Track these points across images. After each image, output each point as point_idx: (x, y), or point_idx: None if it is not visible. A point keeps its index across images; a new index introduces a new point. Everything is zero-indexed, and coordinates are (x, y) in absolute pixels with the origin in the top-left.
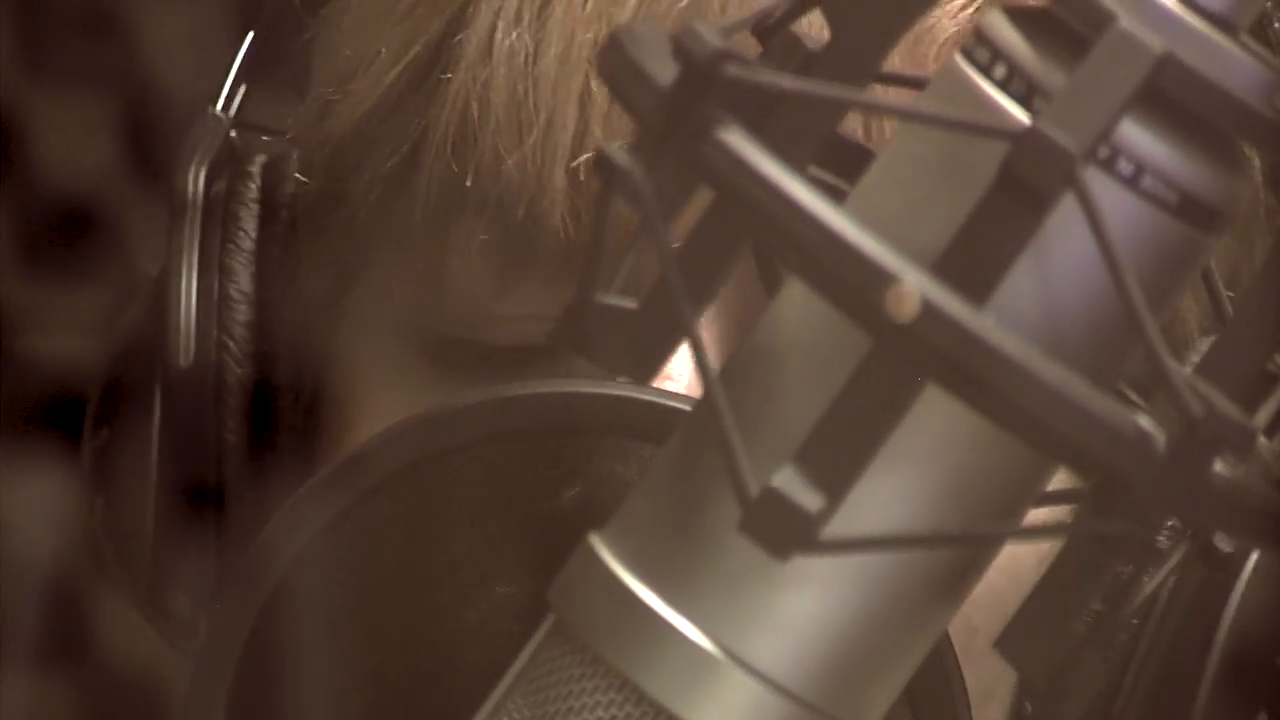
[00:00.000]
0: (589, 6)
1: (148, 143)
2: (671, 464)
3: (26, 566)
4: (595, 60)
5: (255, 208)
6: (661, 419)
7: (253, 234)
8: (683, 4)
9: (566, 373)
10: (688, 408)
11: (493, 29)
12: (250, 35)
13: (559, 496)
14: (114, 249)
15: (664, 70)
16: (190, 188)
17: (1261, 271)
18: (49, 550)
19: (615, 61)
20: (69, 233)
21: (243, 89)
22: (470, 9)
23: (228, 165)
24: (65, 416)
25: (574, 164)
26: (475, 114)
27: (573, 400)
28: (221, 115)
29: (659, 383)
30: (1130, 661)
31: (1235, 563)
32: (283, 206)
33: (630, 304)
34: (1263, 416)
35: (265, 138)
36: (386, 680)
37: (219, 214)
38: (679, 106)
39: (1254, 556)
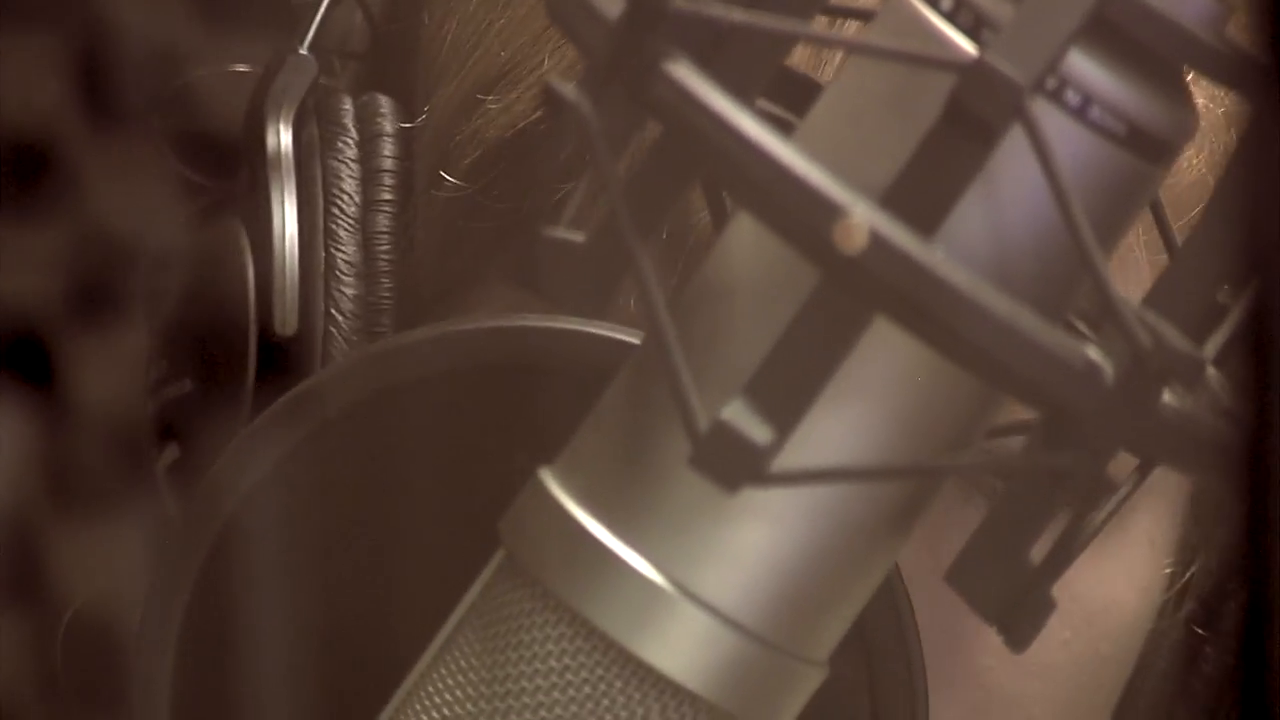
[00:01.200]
0: None
1: (103, 82)
2: (621, 398)
3: None
4: None
5: (356, 167)
6: (611, 353)
7: (357, 198)
8: None
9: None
10: (637, 342)
11: None
12: None
13: (509, 431)
14: (70, 190)
15: (611, 4)
16: (280, 138)
17: (1210, 202)
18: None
19: None
20: (24, 173)
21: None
22: None
23: (315, 111)
24: (22, 358)
25: None
26: None
27: (522, 334)
28: (310, 56)
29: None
30: None
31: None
32: (387, 171)
33: (578, 237)
34: (1211, 347)
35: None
36: (338, 616)
37: (316, 170)
38: (626, 40)
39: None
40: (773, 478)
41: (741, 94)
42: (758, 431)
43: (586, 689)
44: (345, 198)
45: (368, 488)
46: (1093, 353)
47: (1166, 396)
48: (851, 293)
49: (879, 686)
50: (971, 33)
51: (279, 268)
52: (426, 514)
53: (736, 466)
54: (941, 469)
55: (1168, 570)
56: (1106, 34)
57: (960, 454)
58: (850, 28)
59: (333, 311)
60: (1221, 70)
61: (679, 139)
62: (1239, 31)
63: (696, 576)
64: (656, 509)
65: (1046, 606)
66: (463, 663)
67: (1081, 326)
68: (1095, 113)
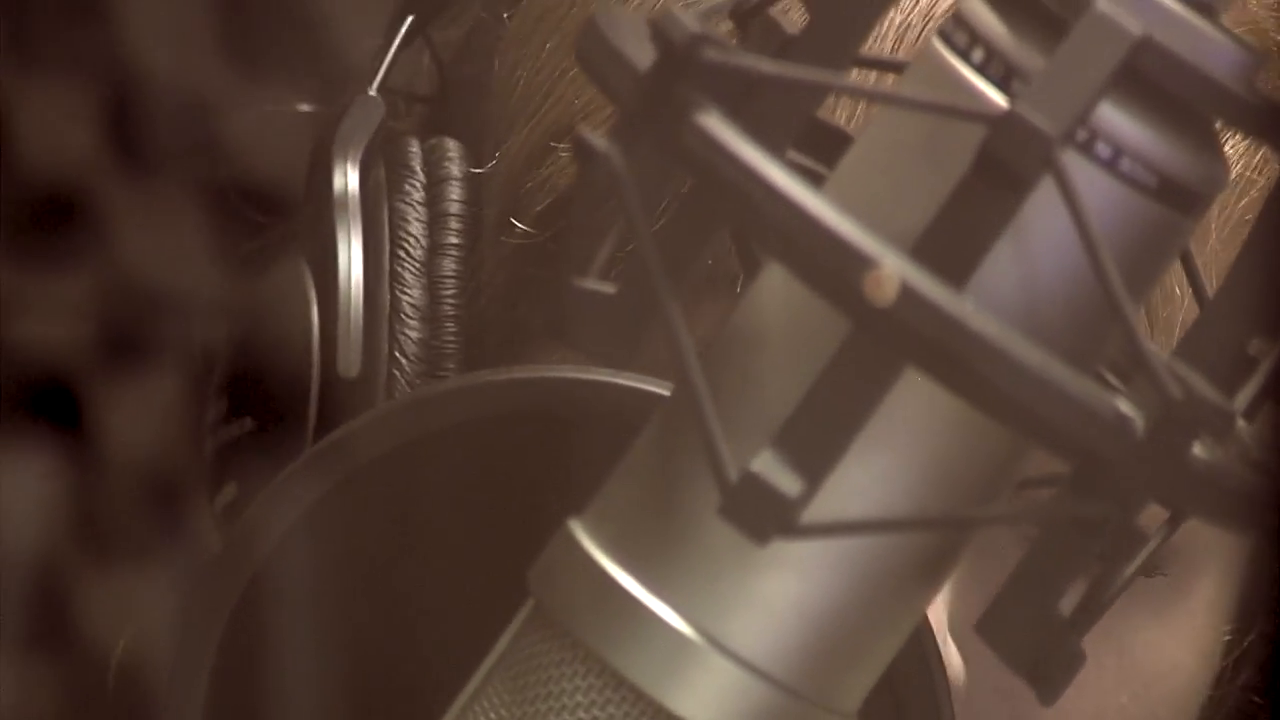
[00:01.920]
0: None
1: (131, 129)
2: (651, 448)
3: (12, 554)
4: (574, 44)
5: (423, 210)
6: (641, 403)
7: (424, 242)
8: None
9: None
10: (667, 392)
11: None
12: (409, 18)
13: (539, 481)
14: (98, 236)
15: (642, 54)
16: (348, 180)
17: (1241, 253)
18: (35, 538)
19: (592, 45)
20: (52, 219)
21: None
22: None
23: (382, 152)
24: (51, 404)
25: None
26: None
27: (552, 385)
28: (378, 98)
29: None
30: None
31: None
32: (454, 215)
33: (609, 288)
34: (1241, 399)
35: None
36: (367, 665)
37: (383, 212)
38: (657, 90)
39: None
40: (802, 529)
41: (772, 145)
42: (788, 483)
43: None
44: (411, 240)
45: (398, 536)
46: (1123, 404)
47: (1197, 448)
48: (882, 344)
49: None
50: (1002, 84)
51: (343, 309)
52: (456, 563)
53: (766, 518)
54: (972, 520)
55: (1226, 637)
56: (1137, 86)
57: (990, 505)
58: (881, 79)
59: (396, 354)
60: (1252, 122)
61: (709, 189)
62: (1269, 83)
63: (726, 627)
64: (686, 560)
65: (1077, 658)
66: (492, 714)
67: (1111, 378)
68: (1126, 164)
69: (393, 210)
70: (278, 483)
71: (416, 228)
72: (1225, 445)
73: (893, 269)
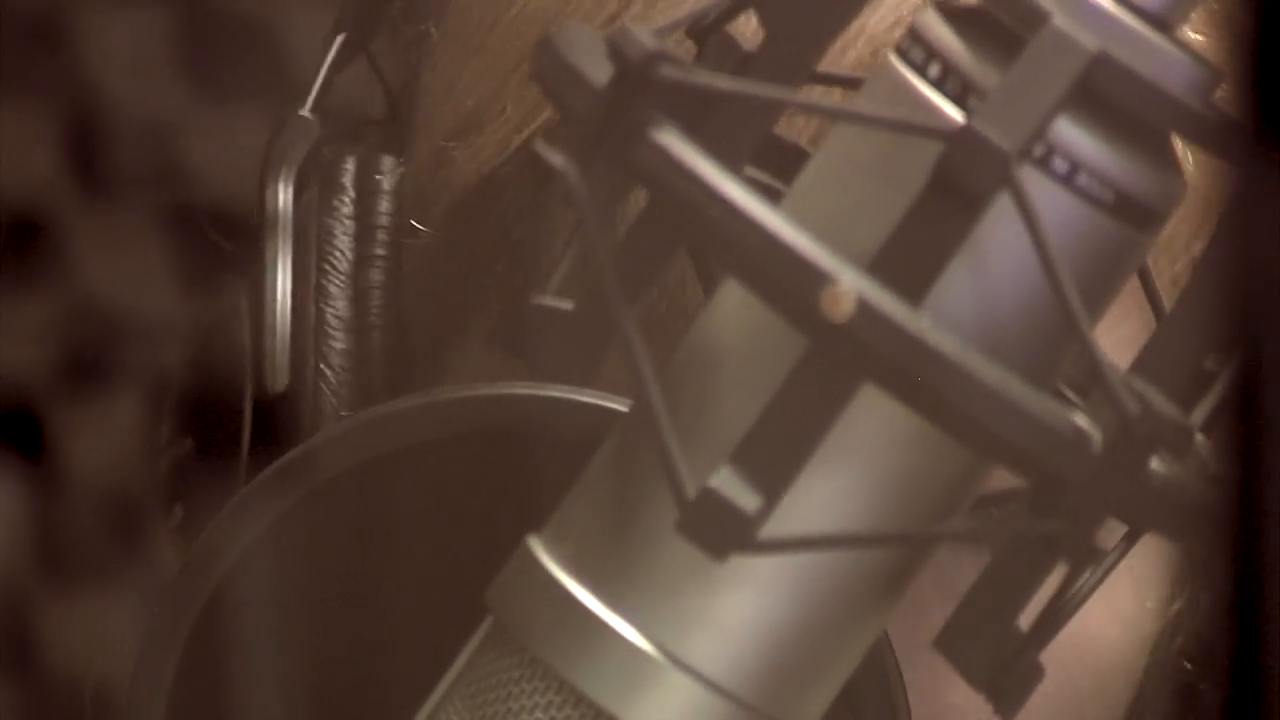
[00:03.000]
0: None
1: (94, 154)
2: (609, 465)
3: None
4: (530, 61)
5: (350, 224)
6: (598, 420)
7: (350, 255)
8: None
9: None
10: (625, 409)
11: None
12: (340, 37)
13: (497, 498)
14: (61, 261)
15: (598, 71)
16: (279, 199)
17: (1196, 269)
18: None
19: (548, 62)
20: (16, 245)
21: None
22: None
23: (316, 172)
24: (13, 429)
25: None
26: None
27: (510, 402)
28: (311, 117)
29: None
30: None
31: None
32: (381, 228)
33: (567, 305)
34: (1199, 414)
35: (379, 176)
36: (326, 681)
37: (313, 229)
38: (613, 107)
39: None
40: (761, 545)
41: (729, 161)
42: (746, 499)
43: None
44: (338, 254)
45: (357, 554)
46: (1080, 420)
47: (1155, 463)
48: (839, 360)
49: None
50: (959, 100)
51: (269, 326)
52: (415, 580)
53: (725, 534)
54: (930, 536)
55: (1149, 604)
56: (1094, 101)
57: (948, 521)
58: (838, 95)
59: (321, 366)
60: (1209, 137)
61: (666, 206)
62: (1227, 98)
63: (685, 644)
64: (644, 576)
65: (1035, 674)
66: None
67: (1069, 393)
68: (1083, 180)
69: (321, 226)
70: (237, 500)
71: (343, 241)
72: (1183, 460)
73: (849, 285)
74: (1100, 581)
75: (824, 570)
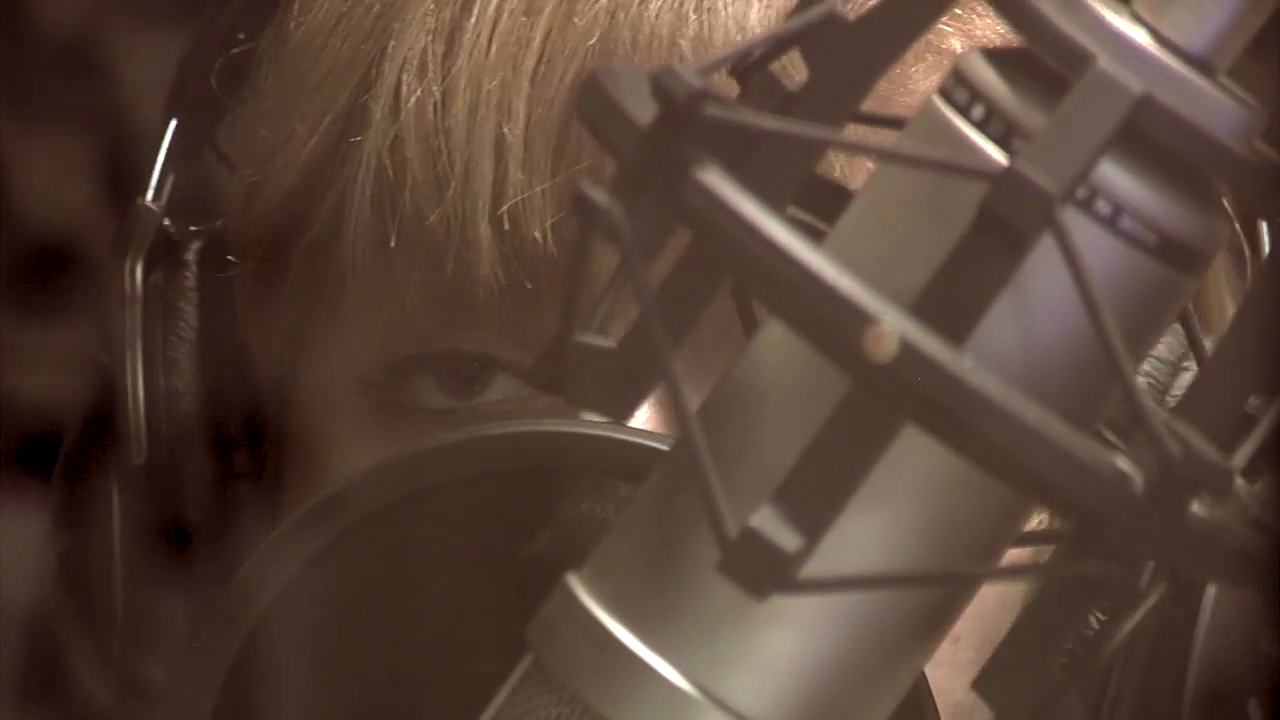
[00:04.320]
0: (493, 53)
1: (125, 182)
2: (650, 504)
3: (7, 605)
4: (575, 99)
5: (194, 295)
6: (640, 459)
7: (194, 323)
8: (591, 42)
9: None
10: (666, 447)
11: (398, 85)
12: (173, 122)
13: (537, 536)
14: (90, 289)
15: (642, 110)
16: (128, 283)
17: (1239, 312)
18: (30, 589)
19: (594, 101)
20: (48, 272)
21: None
22: (374, 70)
23: (164, 255)
24: (44, 455)
25: (498, 212)
26: (391, 171)
27: (551, 440)
28: (153, 206)
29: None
30: (1103, 701)
31: (1196, 593)
32: (221, 290)
33: (608, 343)
34: (1240, 457)
35: (195, 227)
36: (365, 718)
37: (159, 305)
38: (657, 146)
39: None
40: (801, 585)
41: (772, 201)
42: (787, 538)
43: None
44: (183, 325)
45: (395, 590)
46: (1122, 462)
47: (1196, 506)
48: (881, 400)
49: None
50: (1002, 141)
51: (124, 405)
52: (453, 617)
53: (765, 573)
54: (971, 576)
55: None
56: (1138, 144)
57: (989, 561)
58: (882, 135)
59: (177, 434)
60: (1252, 180)
61: (709, 244)
62: (1271, 142)
63: (724, 683)
64: (684, 615)
65: (1074, 716)
66: None
67: (1111, 436)
68: (1126, 222)
69: (166, 302)
70: (273, 539)
71: (188, 313)
72: (1224, 503)
73: (892, 325)
74: (1140, 625)
75: (864, 610)
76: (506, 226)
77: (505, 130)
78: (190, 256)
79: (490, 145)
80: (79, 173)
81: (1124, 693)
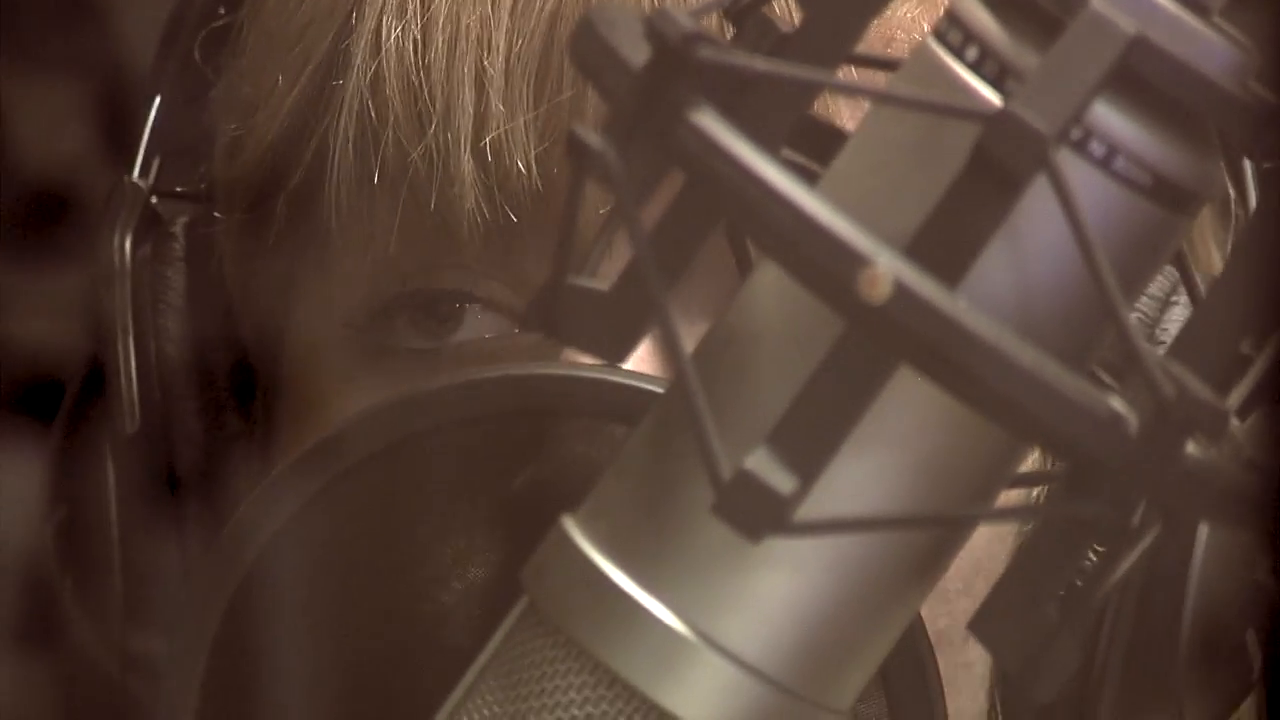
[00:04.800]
0: None
1: (122, 128)
2: (644, 446)
3: (5, 551)
4: (566, 43)
5: (181, 265)
6: (635, 401)
7: (181, 291)
8: None
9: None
10: (660, 390)
11: (379, 27)
12: (157, 100)
13: (532, 479)
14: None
15: (636, 52)
16: (116, 257)
17: (1233, 253)
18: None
19: (587, 43)
20: (45, 218)
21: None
22: (355, 16)
23: (151, 229)
24: (43, 401)
25: (480, 144)
26: (372, 112)
27: (546, 382)
28: (139, 183)
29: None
30: (1099, 636)
31: (1191, 529)
32: (208, 254)
33: (602, 286)
34: (1235, 398)
35: (180, 190)
36: (361, 662)
37: (147, 277)
38: (651, 88)
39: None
40: (796, 527)
41: (766, 143)
42: (781, 480)
43: None
44: (172, 293)
45: (389, 535)
46: (1117, 403)
47: (1190, 447)
48: (875, 342)
49: None
50: (996, 83)
51: (116, 375)
52: (448, 561)
53: (760, 515)
54: (965, 518)
55: None
56: (1131, 85)
57: (984, 503)
58: (876, 78)
59: (169, 400)
60: (1245, 120)
61: (703, 187)
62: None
63: (719, 625)
64: (679, 557)
65: (1069, 657)
66: (485, 710)
67: (1105, 377)
68: (1120, 163)
69: (155, 273)
70: (268, 483)
71: (177, 281)
72: (1219, 444)
73: (887, 267)
74: (1136, 565)
75: (859, 552)
76: (489, 159)
77: (486, 63)
78: (178, 229)
79: (471, 79)
80: (76, 118)
81: (1119, 629)
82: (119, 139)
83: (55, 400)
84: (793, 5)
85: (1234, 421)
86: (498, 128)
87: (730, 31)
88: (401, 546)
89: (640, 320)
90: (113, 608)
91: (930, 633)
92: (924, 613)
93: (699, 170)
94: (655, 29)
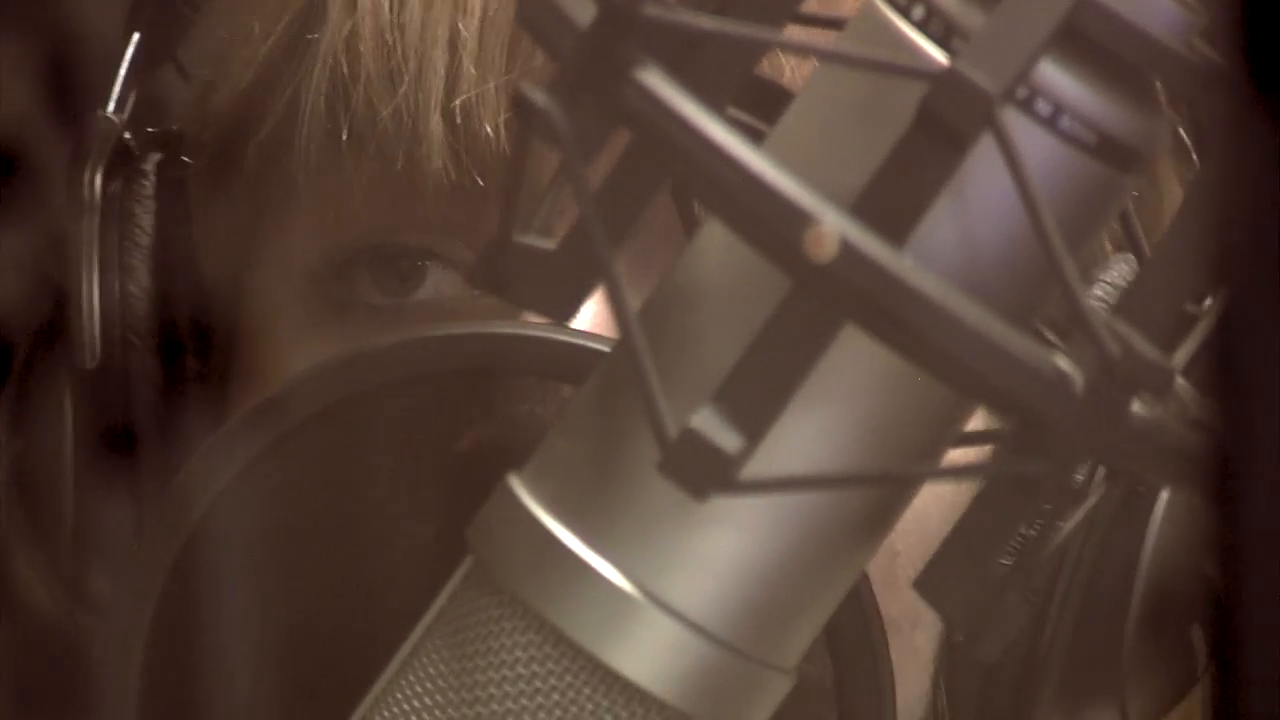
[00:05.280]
0: None
1: (69, 85)
2: (591, 405)
3: None
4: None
5: (151, 204)
6: (581, 359)
7: (149, 229)
8: None
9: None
10: (607, 348)
11: None
12: (135, 36)
13: (478, 437)
14: (35, 192)
15: (582, 10)
16: (86, 191)
17: (1179, 212)
18: None
19: (533, 2)
20: None
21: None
22: None
23: (123, 165)
24: None
25: (450, 106)
26: (345, 68)
27: (491, 341)
28: (113, 118)
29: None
30: (1052, 596)
31: (1145, 509)
32: (179, 197)
33: (549, 244)
34: (1180, 357)
35: (152, 130)
36: (306, 622)
37: (115, 213)
38: (597, 46)
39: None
40: (742, 485)
41: (712, 101)
42: (727, 439)
43: (555, 696)
44: (138, 230)
45: (335, 493)
46: (1062, 362)
47: (1135, 406)
48: (821, 300)
49: (846, 691)
50: (942, 42)
51: (78, 308)
52: (394, 519)
53: (706, 474)
54: (911, 476)
55: None
56: (1078, 43)
57: (929, 461)
58: (822, 36)
59: (130, 337)
60: (1191, 80)
61: (649, 146)
62: (1209, 40)
63: (665, 584)
64: (625, 516)
65: (1014, 616)
66: (431, 669)
67: (1051, 335)
68: (1066, 122)
69: (123, 209)
70: (214, 440)
71: (145, 220)
72: (1164, 403)
73: (832, 226)
74: (1081, 524)
75: (805, 510)
76: (458, 121)
77: (460, 25)
78: (148, 166)
79: (444, 40)
80: (21, 77)
81: (1068, 607)
82: (65, 99)
83: (2, 359)
84: None
85: (1179, 380)
86: (468, 90)
87: None
88: (346, 506)
89: (587, 279)
90: (62, 545)
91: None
92: (880, 598)
93: (644, 129)
94: None
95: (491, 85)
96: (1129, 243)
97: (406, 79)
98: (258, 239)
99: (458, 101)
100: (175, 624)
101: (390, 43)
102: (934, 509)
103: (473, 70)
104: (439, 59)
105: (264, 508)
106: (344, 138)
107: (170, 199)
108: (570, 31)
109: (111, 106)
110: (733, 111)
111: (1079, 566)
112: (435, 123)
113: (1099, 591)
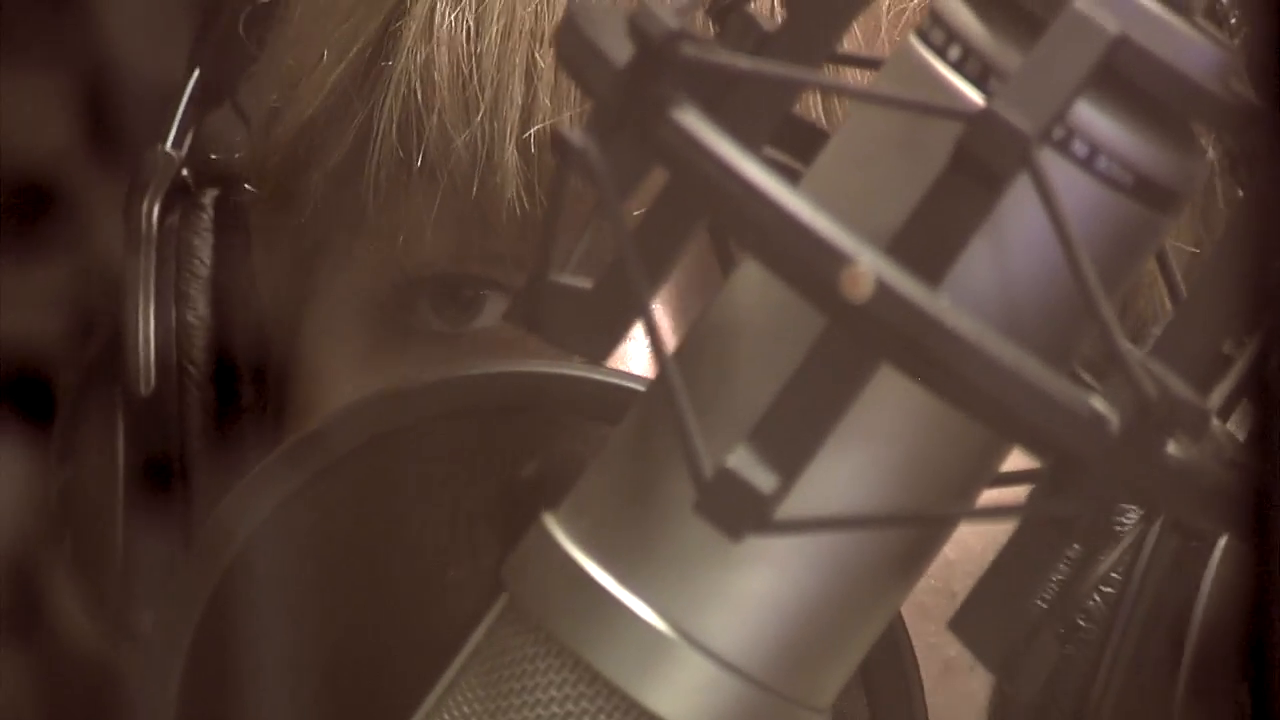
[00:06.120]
0: None
1: (107, 121)
2: (626, 444)
3: None
4: (552, 39)
5: (209, 236)
6: (617, 399)
7: (207, 261)
8: None
9: (524, 355)
10: (642, 388)
11: (432, 10)
12: (196, 73)
13: (514, 475)
14: (73, 227)
15: (619, 49)
16: (143, 224)
17: (1215, 252)
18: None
19: (571, 40)
20: (28, 211)
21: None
22: None
23: (180, 199)
24: (25, 395)
25: (524, 136)
26: (420, 96)
27: (528, 379)
28: (172, 152)
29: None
30: (1106, 645)
31: (1207, 540)
32: (237, 228)
33: (585, 283)
34: (1216, 398)
35: (214, 156)
36: (341, 658)
37: (173, 244)
38: (634, 86)
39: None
40: (777, 525)
41: (748, 141)
42: (762, 479)
43: None
44: (196, 262)
45: (373, 528)
46: (1098, 402)
47: (1171, 446)
48: (857, 340)
49: None
50: (979, 82)
51: (134, 334)
52: (430, 555)
53: (741, 514)
54: (946, 517)
55: None
56: (1114, 84)
57: (965, 501)
58: (858, 76)
59: (186, 365)
60: (1228, 120)
61: (686, 185)
62: (1245, 82)
63: (700, 623)
64: (660, 555)
65: (1049, 655)
66: (466, 707)
67: (1087, 376)
68: (1102, 163)
69: (181, 241)
70: (252, 476)
71: (203, 251)
72: (1200, 444)
73: (868, 266)
74: (1116, 564)
75: (840, 550)
76: (533, 152)
77: (537, 56)
78: (206, 200)
79: (521, 72)
80: (60, 111)
81: (1120, 659)
82: (104, 132)
83: (40, 394)
84: (776, 4)
85: (1215, 421)
86: (543, 121)
87: (713, 30)
88: (383, 541)
89: (623, 318)
90: (111, 573)
91: (938, 660)
92: (932, 641)
93: (681, 168)
94: (638, 27)
95: (566, 116)
96: (1165, 283)
97: (482, 109)
98: (319, 267)
99: (532, 132)
100: (212, 656)
101: (466, 72)
102: (990, 549)
103: (548, 102)
104: (516, 89)
105: (302, 541)
106: (416, 166)
107: (228, 230)
108: (608, 70)
109: (170, 142)
110: (769, 151)
111: (1132, 618)
112: (510, 153)
113: (1152, 643)
